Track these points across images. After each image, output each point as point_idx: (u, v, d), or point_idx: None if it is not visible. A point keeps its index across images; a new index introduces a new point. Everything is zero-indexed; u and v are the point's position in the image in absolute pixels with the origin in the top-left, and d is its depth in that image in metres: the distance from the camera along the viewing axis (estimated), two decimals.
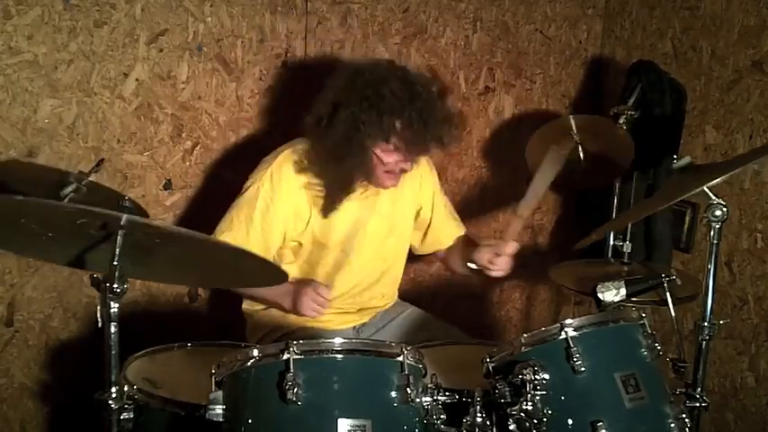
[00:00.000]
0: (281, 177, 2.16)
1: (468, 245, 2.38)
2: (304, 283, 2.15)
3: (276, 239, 2.20)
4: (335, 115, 2.05)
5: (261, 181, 2.16)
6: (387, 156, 2.07)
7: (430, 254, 2.52)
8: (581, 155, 2.60)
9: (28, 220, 1.56)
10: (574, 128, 2.63)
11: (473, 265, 2.23)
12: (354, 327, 2.36)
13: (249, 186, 2.19)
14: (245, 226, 2.16)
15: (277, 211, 2.16)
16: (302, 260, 2.26)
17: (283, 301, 2.17)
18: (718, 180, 1.77)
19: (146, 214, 2.25)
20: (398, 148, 2.06)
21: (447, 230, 2.45)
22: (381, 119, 2.01)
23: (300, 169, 2.16)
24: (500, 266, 2.18)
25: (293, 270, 2.24)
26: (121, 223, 1.49)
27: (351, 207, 2.21)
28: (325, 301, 2.09)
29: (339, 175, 2.11)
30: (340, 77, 2.11)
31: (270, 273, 1.82)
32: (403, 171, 2.13)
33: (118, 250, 1.52)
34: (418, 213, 2.40)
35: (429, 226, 2.43)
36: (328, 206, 2.15)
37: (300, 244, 2.23)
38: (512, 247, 2.18)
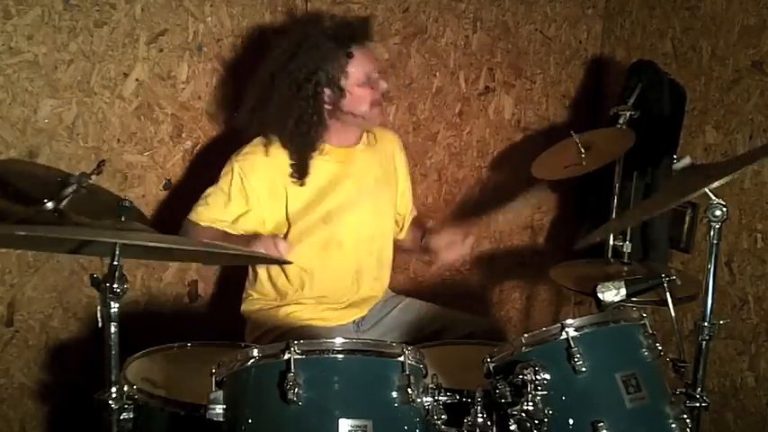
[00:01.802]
0: (254, 157, 2.24)
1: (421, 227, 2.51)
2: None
3: (255, 213, 2.24)
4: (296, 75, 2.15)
5: (235, 161, 2.25)
6: (360, 73, 2.17)
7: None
8: (583, 160, 2.57)
9: (29, 233, 1.59)
10: (580, 146, 2.58)
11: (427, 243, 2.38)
12: (354, 321, 2.37)
13: (224, 169, 2.27)
14: (222, 199, 2.24)
15: (252, 187, 2.23)
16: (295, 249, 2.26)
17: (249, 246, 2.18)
18: (719, 182, 1.76)
19: (145, 219, 2.25)
20: (362, 54, 2.18)
21: (407, 209, 2.54)
22: (337, 51, 2.14)
23: (271, 151, 2.24)
24: (454, 251, 2.33)
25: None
26: (116, 250, 1.52)
27: (340, 189, 2.26)
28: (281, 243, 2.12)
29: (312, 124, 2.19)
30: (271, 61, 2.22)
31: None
32: (384, 94, 2.24)
33: (118, 251, 1.52)
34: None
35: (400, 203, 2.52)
36: (302, 167, 2.21)
37: (288, 225, 2.26)
38: (469, 242, 2.33)
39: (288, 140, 2.22)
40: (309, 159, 2.22)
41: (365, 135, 2.36)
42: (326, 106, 2.19)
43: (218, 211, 2.24)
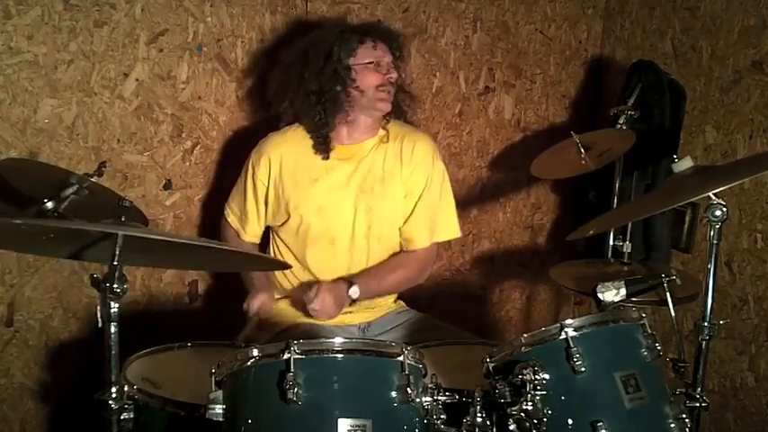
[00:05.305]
0: (266, 147, 2.34)
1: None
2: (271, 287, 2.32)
3: (264, 205, 2.36)
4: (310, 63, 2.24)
5: (253, 151, 2.37)
6: (369, 56, 2.23)
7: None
8: (585, 160, 2.56)
9: (29, 227, 1.58)
10: (580, 147, 2.56)
11: None
12: (359, 325, 2.36)
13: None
14: (242, 192, 2.38)
15: (258, 177, 2.33)
16: (292, 243, 2.33)
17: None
18: (723, 188, 1.76)
19: (144, 218, 2.25)
20: (375, 45, 2.25)
21: (416, 234, 2.37)
22: (351, 34, 2.24)
23: (287, 136, 2.34)
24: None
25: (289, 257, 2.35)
26: (119, 238, 1.52)
27: (335, 184, 2.28)
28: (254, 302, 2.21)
29: (327, 107, 2.25)
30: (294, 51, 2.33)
31: (269, 261, 1.85)
32: (391, 82, 2.25)
33: (118, 251, 1.52)
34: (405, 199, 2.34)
35: (408, 218, 2.36)
36: (323, 145, 2.29)
37: (287, 217, 2.30)
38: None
39: (308, 117, 2.28)
40: (330, 133, 2.29)
41: (379, 134, 2.33)
42: (337, 87, 2.23)
43: (237, 207, 2.41)
